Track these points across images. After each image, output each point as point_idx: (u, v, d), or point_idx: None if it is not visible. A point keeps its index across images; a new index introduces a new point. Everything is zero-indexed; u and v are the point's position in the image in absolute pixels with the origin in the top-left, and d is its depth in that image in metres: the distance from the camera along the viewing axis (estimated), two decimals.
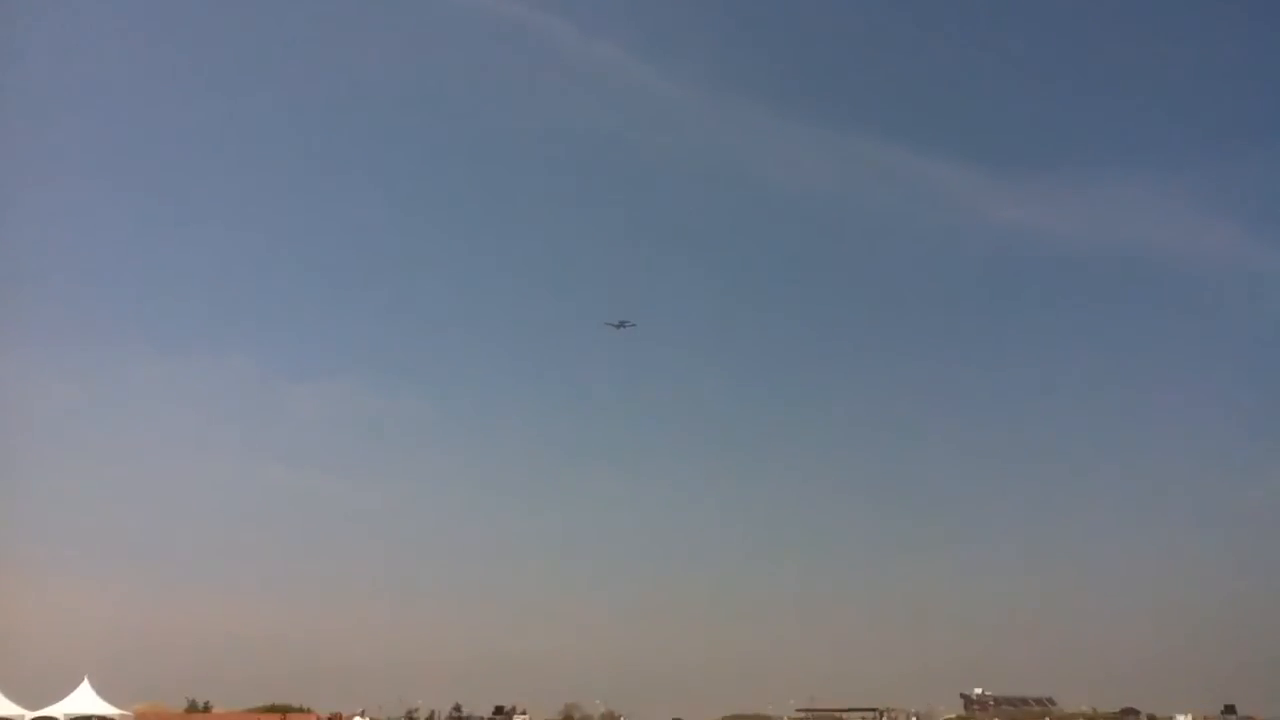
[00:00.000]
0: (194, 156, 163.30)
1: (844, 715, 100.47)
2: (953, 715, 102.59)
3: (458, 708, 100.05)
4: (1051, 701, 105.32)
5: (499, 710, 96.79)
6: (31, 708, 68.01)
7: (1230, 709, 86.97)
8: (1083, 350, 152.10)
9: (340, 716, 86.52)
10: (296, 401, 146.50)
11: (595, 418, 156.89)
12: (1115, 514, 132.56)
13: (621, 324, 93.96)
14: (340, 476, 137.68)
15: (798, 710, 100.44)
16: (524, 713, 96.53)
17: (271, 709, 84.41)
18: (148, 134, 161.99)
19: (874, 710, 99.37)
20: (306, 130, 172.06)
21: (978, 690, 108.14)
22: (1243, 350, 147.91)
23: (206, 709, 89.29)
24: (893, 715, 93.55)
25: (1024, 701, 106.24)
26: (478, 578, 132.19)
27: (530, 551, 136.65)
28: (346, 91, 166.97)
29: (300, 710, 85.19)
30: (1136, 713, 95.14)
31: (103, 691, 71.17)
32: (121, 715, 71.63)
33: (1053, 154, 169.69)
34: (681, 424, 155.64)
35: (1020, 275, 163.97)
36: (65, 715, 68.49)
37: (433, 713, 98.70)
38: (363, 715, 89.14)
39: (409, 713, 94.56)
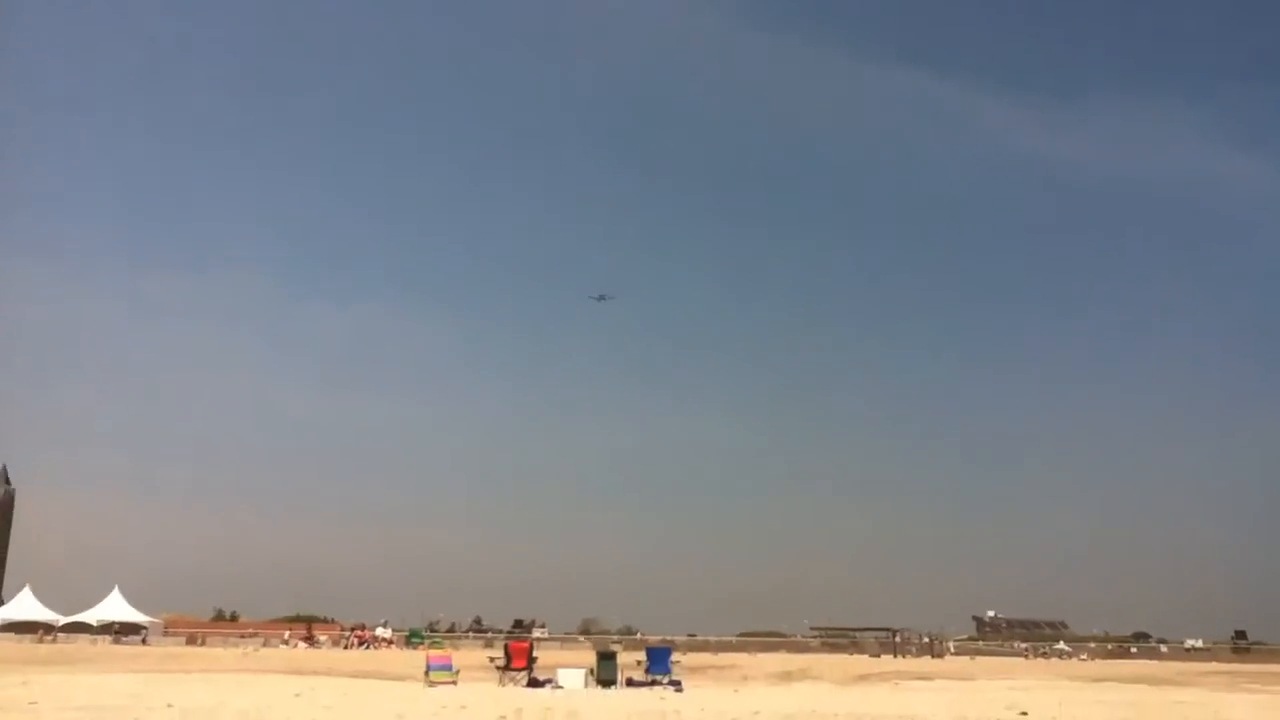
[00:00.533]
0: (227, 94, 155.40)
1: (858, 634, 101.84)
2: (965, 636, 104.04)
3: (478, 620, 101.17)
4: (1064, 625, 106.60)
5: (518, 623, 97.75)
6: (65, 614, 68.78)
7: (1241, 634, 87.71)
8: (1106, 283, 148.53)
9: (364, 626, 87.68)
10: (325, 320, 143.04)
11: (629, 346, 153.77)
12: (1130, 445, 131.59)
13: (601, 297, 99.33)
14: (369, 397, 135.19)
15: (813, 629, 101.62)
16: (543, 625, 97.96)
17: (296, 619, 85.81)
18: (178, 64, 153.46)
19: (888, 630, 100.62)
20: (321, 86, 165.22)
21: (990, 613, 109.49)
22: (1273, 280, 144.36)
23: (233, 618, 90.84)
24: (906, 635, 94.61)
25: (1036, 625, 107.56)
26: (506, 501, 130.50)
27: (556, 475, 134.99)
28: (344, 76, 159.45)
29: (325, 621, 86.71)
30: (1148, 637, 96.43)
31: (133, 600, 71.19)
32: (150, 621, 72.39)
33: (1078, 81, 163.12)
34: (724, 356, 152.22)
35: (1047, 206, 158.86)
36: (97, 620, 68.74)
37: (453, 624, 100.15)
38: (385, 626, 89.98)
39: (430, 624, 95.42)
